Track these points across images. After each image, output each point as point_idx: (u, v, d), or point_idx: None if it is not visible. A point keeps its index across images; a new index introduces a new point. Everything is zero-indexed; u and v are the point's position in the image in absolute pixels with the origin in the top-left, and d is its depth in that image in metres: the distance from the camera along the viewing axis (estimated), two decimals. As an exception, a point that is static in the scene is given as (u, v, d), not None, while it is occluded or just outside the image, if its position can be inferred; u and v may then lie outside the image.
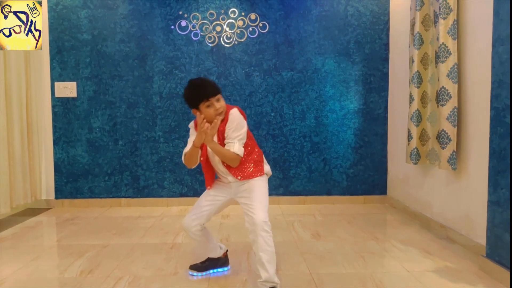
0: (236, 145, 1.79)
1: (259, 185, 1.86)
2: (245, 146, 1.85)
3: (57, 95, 3.53)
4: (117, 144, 3.57)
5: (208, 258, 2.07)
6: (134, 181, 3.60)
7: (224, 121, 1.82)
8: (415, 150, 2.79)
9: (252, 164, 1.87)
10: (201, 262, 2.06)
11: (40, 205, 3.56)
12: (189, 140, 1.91)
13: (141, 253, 2.36)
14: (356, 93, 3.61)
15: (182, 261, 2.21)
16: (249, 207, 1.78)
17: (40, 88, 3.50)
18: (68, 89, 3.52)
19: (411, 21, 2.86)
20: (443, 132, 2.45)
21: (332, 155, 3.63)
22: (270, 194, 3.47)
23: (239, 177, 1.85)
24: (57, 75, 3.52)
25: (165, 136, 3.58)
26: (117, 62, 3.54)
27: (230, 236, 2.67)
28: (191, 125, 1.95)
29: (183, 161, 1.91)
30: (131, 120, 3.57)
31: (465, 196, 2.42)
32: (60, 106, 3.54)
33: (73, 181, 3.58)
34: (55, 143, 3.56)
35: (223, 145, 1.83)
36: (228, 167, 1.85)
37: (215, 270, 2.06)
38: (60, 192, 3.59)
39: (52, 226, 3.08)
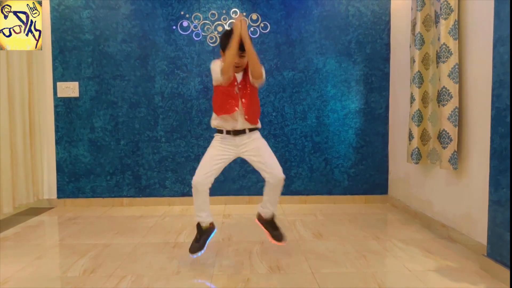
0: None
1: (263, 143, 2.24)
2: (256, 97, 2.23)
3: (59, 95, 3.54)
4: (119, 143, 3.58)
5: (198, 233, 2.16)
6: (136, 180, 3.61)
7: (247, 70, 2.13)
8: (416, 150, 2.80)
9: (257, 112, 2.25)
10: (196, 241, 2.15)
11: (42, 205, 3.57)
12: (216, 66, 2.11)
13: (144, 252, 2.37)
14: (357, 93, 3.62)
15: (184, 260, 2.21)
16: (266, 166, 2.16)
17: (43, 88, 3.51)
18: (70, 89, 3.53)
19: (412, 21, 2.87)
20: (444, 132, 2.46)
21: (333, 155, 3.64)
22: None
23: (246, 117, 2.12)
24: (59, 75, 3.54)
25: (166, 136, 3.59)
26: (119, 62, 3.55)
27: (232, 236, 2.68)
28: (215, 60, 2.15)
29: (221, 74, 2.06)
30: (133, 120, 3.58)
31: (466, 196, 2.43)
32: (62, 106, 3.55)
33: (75, 181, 3.59)
34: (57, 142, 3.57)
35: (248, 93, 2.13)
36: (245, 105, 2.12)
37: (209, 239, 2.19)
38: (62, 191, 3.60)
39: (54, 225, 3.09)
